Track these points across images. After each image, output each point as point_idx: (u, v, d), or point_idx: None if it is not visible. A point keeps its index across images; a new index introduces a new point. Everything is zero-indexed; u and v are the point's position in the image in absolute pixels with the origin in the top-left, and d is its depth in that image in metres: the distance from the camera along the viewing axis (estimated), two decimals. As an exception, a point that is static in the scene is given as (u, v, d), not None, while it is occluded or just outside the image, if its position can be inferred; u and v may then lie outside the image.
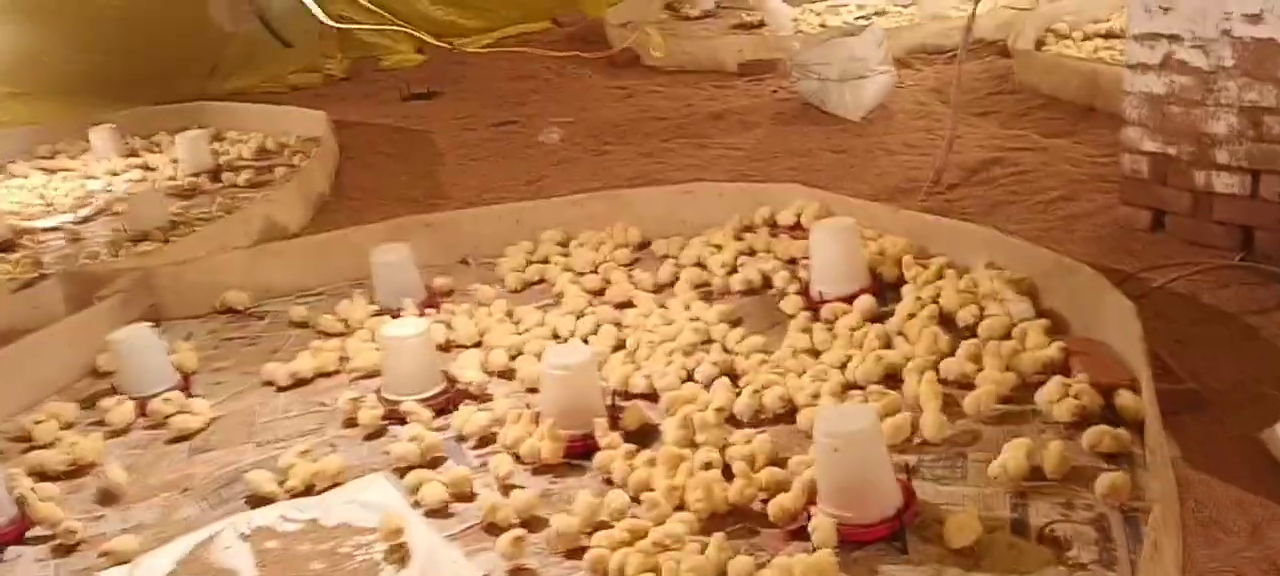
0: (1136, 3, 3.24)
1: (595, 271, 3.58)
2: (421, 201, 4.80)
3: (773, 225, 3.71)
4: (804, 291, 3.17)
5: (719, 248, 3.60)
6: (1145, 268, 3.21)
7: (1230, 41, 3.04)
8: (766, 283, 3.35)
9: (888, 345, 2.82)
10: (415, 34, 6.64)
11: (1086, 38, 5.49)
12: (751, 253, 3.52)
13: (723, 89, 6.01)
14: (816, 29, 6.66)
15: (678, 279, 3.45)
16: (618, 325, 3.19)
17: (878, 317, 2.99)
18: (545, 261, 3.73)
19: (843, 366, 2.74)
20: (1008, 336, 2.74)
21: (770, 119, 5.33)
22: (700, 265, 3.54)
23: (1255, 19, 2.97)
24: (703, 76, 6.31)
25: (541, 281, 3.64)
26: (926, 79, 5.58)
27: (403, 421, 2.77)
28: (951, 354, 2.71)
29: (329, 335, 3.38)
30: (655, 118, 5.62)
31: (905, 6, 6.86)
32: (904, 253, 3.24)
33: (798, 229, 3.65)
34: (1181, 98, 3.19)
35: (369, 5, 6.89)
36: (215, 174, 5.19)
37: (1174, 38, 3.16)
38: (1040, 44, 5.48)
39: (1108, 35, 5.44)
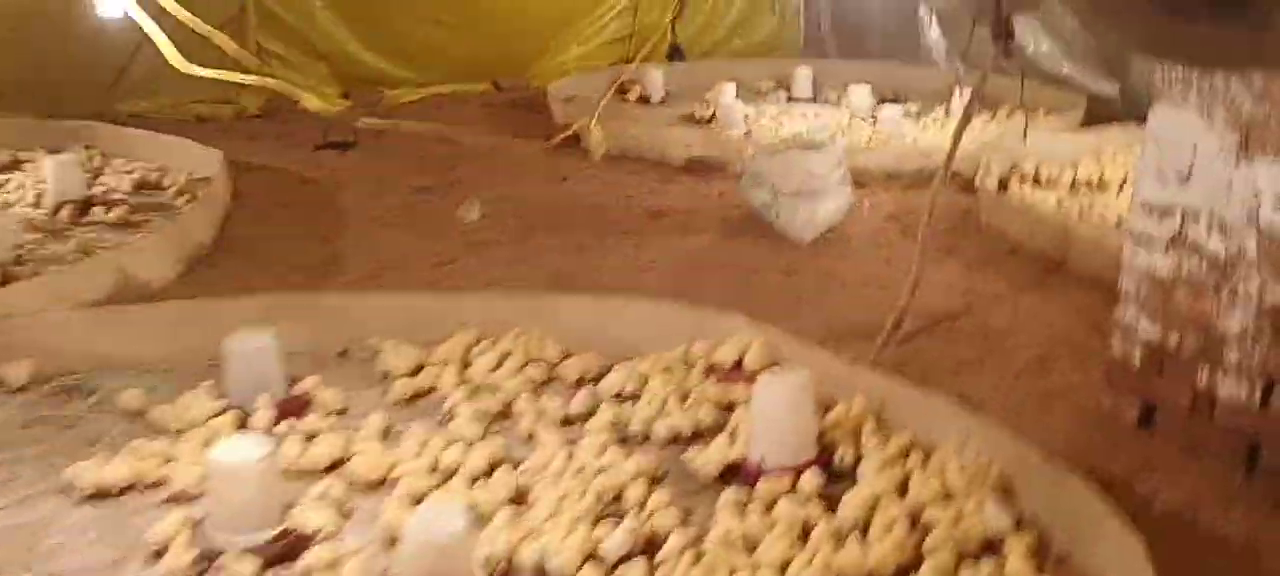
0: (1148, 166, 2.83)
1: (497, 390, 3.03)
2: (314, 269, 4.22)
3: (710, 364, 3.19)
4: (739, 461, 2.65)
5: (646, 380, 3.08)
6: (1134, 470, 2.77)
7: (1257, 229, 2.63)
8: (697, 434, 2.83)
9: (838, 542, 2.31)
10: (268, 87, 6.01)
11: (1049, 183, 5.14)
12: (684, 395, 3.00)
13: (666, 184, 5.54)
14: (770, 132, 6.26)
15: (594, 414, 2.91)
16: (515, 465, 2.64)
17: (827, 500, 2.48)
18: (441, 367, 3.17)
19: (784, 568, 2.22)
20: (984, 551, 2.26)
21: (716, 225, 4.86)
22: (621, 397, 3.02)
23: (1286, 204, 2.58)
24: (646, 167, 5.83)
25: (432, 391, 3.08)
26: (884, 204, 5.17)
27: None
28: (916, 566, 2.22)
29: (159, 433, 2.77)
30: (590, 206, 5.12)
31: (865, 121, 6.51)
32: (862, 421, 2.75)
33: (738, 370, 3.14)
34: (1191, 283, 2.78)
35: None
36: (84, 206, 4.54)
37: (1190, 213, 2.75)
38: (1004, 183, 5.12)
39: (1073, 184, 5.10)
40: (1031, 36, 6.80)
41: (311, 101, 5.18)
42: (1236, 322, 2.71)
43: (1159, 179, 2.80)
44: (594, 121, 5.07)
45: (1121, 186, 5.06)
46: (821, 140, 5.30)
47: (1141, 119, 5.89)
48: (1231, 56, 2.54)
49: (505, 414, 2.94)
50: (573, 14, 8.01)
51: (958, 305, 3.89)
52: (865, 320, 3.76)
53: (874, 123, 6.41)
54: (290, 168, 5.66)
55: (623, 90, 7.57)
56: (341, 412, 2.95)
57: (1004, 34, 3.38)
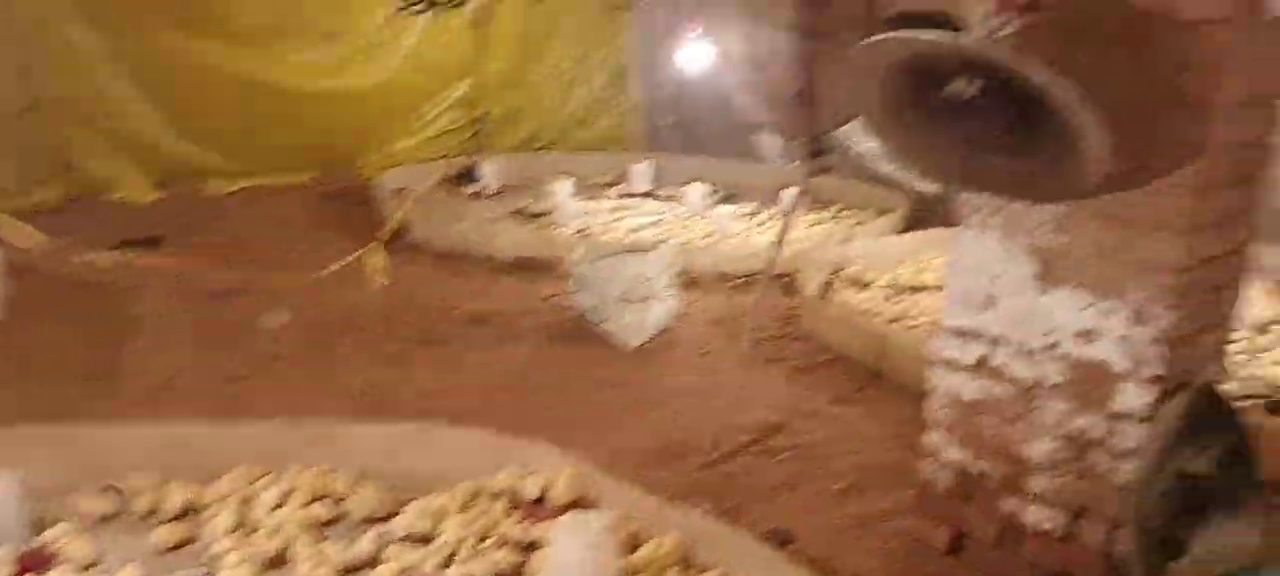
0: (954, 291, 2.79)
1: (275, 532, 2.75)
2: (90, 382, 3.84)
3: (513, 500, 2.98)
4: (535, 608, 2.44)
5: (441, 519, 2.84)
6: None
7: (1058, 356, 2.61)
8: (492, 582, 2.61)
9: None
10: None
11: (871, 287, 5.17)
12: (482, 535, 2.78)
13: (493, 285, 5.34)
14: (605, 232, 6.15)
15: (379, 561, 2.66)
16: (284, 627, 2.37)
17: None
18: (214, 508, 2.86)
19: None
20: None
21: (540, 331, 4.67)
22: (411, 539, 2.77)
23: (1089, 337, 2.55)
24: (473, 266, 5.63)
25: (197, 539, 2.77)
26: (712, 308, 5.09)
27: None
28: None
29: None
30: (408, 310, 4.86)
31: (699, 219, 6.48)
32: (670, 565, 2.59)
33: (542, 505, 2.95)
34: (996, 410, 2.73)
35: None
36: None
37: (994, 339, 2.72)
38: (828, 286, 5.12)
39: (893, 287, 5.14)
40: (855, 136, 6.92)
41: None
42: (1042, 451, 2.67)
43: (964, 304, 2.76)
44: (378, 245, 4.65)
45: (938, 290, 5.13)
46: (651, 243, 5.22)
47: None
48: (1030, 188, 2.53)
49: (280, 561, 2.66)
50: (404, 104, 7.77)
51: (777, 419, 3.79)
52: (687, 437, 3.63)
53: (707, 221, 6.39)
54: (81, 269, 5.22)
55: (457, 182, 7.42)
56: (92, 566, 2.62)
57: (818, 150, 3.35)
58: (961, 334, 2.78)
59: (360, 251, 4.63)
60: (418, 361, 4.26)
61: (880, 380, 4.19)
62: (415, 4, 5.02)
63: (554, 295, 5.11)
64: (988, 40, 2.40)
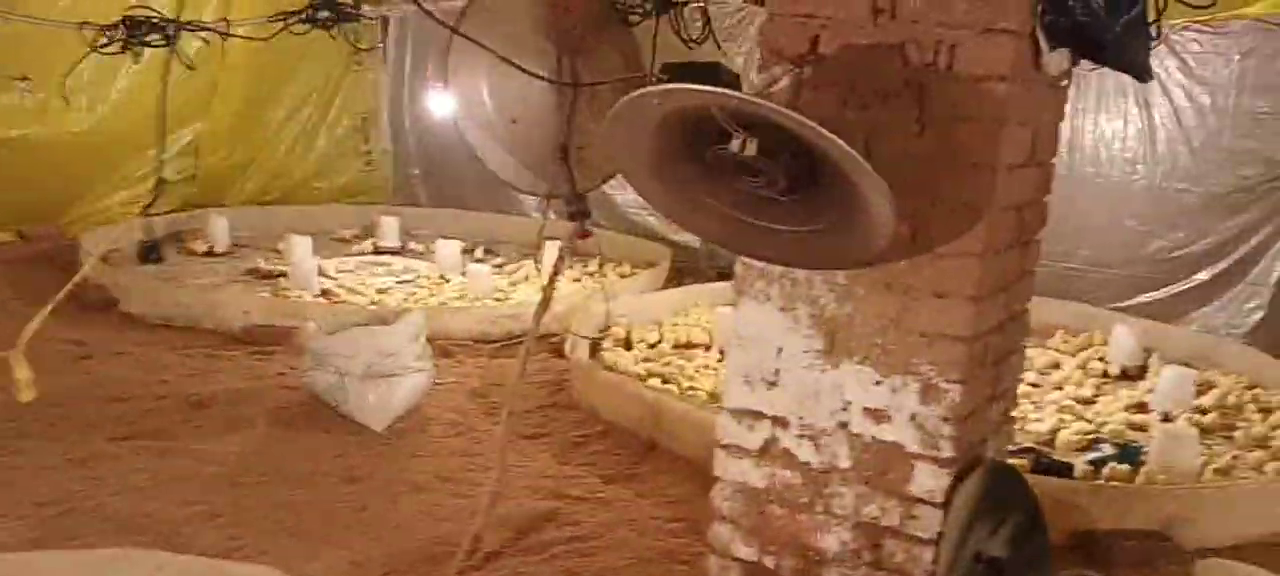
0: (735, 370, 2.53)
1: None
2: None
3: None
4: None
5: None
6: None
7: (847, 437, 2.39)
8: None
9: None
10: None
11: (638, 346, 4.93)
12: (181, 694, 2.26)
13: (216, 360, 4.71)
14: (348, 295, 5.62)
15: None
16: None
17: None
18: None
19: None
20: None
21: (269, 416, 4.11)
22: None
23: (879, 416, 2.35)
24: (195, 339, 4.97)
25: None
26: (469, 376, 4.69)
27: None
28: None
29: None
30: (112, 397, 4.17)
31: (452, 277, 6.06)
32: None
33: (264, 645, 2.45)
34: (785, 498, 2.49)
35: None
36: None
37: (779, 421, 2.47)
38: (596, 347, 4.84)
39: (655, 345, 4.93)
40: (616, 186, 6.73)
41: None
42: (835, 541, 2.44)
43: (746, 382, 2.51)
44: (17, 352, 3.88)
45: (707, 348, 4.95)
46: (397, 308, 4.77)
47: (725, 273, 6.03)
48: (811, 254, 2.31)
49: None
50: (116, 154, 6.88)
51: (545, 508, 3.43)
52: (439, 535, 3.21)
53: (461, 278, 5.98)
54: None
55: (186, 241, 6.66)
56: None
57: (580, 213, 3.05)
58: (745, 415, 2.52)
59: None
60: (120, 458, 3.62)
61: (655, 452, 3.91)
62: (106, 44, 4.35)
63: (286, 372, 4.55)
64: (759, 95, 2.17)
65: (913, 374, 2.31)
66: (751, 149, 2.01)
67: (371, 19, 5.01)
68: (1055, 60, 2.28)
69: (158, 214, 7.00)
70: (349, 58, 7.53)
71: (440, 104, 6.33)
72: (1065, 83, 2.54)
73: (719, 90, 1.99)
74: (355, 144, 8.08)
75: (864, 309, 2.36)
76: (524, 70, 2.73)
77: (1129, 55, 2.40)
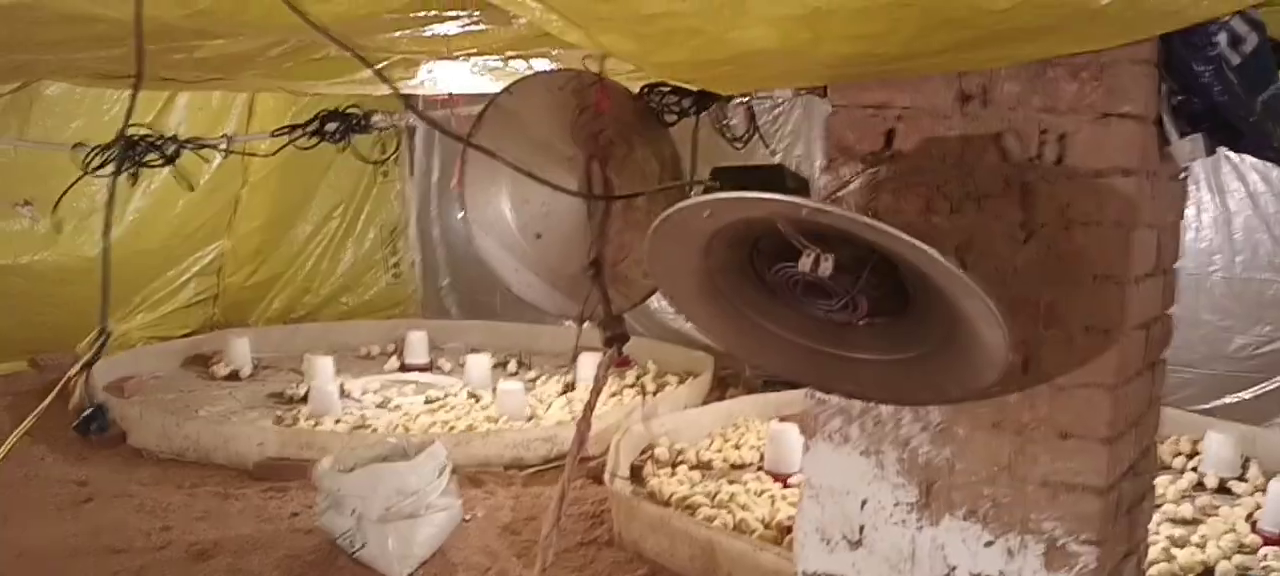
0: (809, 525, 2.12)
1: None
2: None
3: None
4: None
5: None
6: None
7: (952, 610, 1.96)
8: None
9: None
10: None
11: (680, 466, 4.50)
12: None
13: (228, 501, 4.34)
14: (372, 421, 5.25)
15: None
16: None
17: None
18: None
19: None
20: None
21: (278, 567, 3.72)
22: None
23: (980, 582, 1.92)
24: (206, 475, 4.61)
25: None
26: (500, 510, 4.28)
27: None
28: None
29: None
30: (110, 548, 3.81)
31: (482, 395, 5.68)
32: None
33: None
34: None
35: None
36: None
37: (866, 590, 2.05)
38: (638, 473, 4.42)
39: (702, 467, 4.50)
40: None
41: None
42: None
43: (824, 542, 2.09)
44: None
45: (760, 468, 4.52)
46: (421, 437, 4.39)
47: (770, 381, 5.61)
48: (901, 387, 1.92)
49: None
50: (134, 278, 6.63)
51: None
52: None
53: (493, 396, 5.60)
54: None
55: (205, 362, 6.36)
56: None
57: (618, 338, 2.67)
58: (823, 582, 2.10)
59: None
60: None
61: (708, 598, 3.47)
62: (99, 166, 4.09)
63: (300, 513, 4.16)
64: (831, 200, 1.80)
65: (1033, 532, 1.89)
66: (827, 267, 1.63)
67: (384, 129, 4.72)
68: (1186, 148, 1.89)
69: (177, 337, 6.75)
70: (374, 169, 7.29)
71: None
72: (1185, 175, 2.15)
73: (785, 198, 1.62)
74: (383, 257, 7.80)
75: (968, 453, 1.96)
76: (545, 182, 2.38)
77: (1267, 138, 2.01)
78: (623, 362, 2.72)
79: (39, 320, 6.25)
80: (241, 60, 3.24)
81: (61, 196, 4.42)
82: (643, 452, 4.63)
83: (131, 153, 3.86)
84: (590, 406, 2.83)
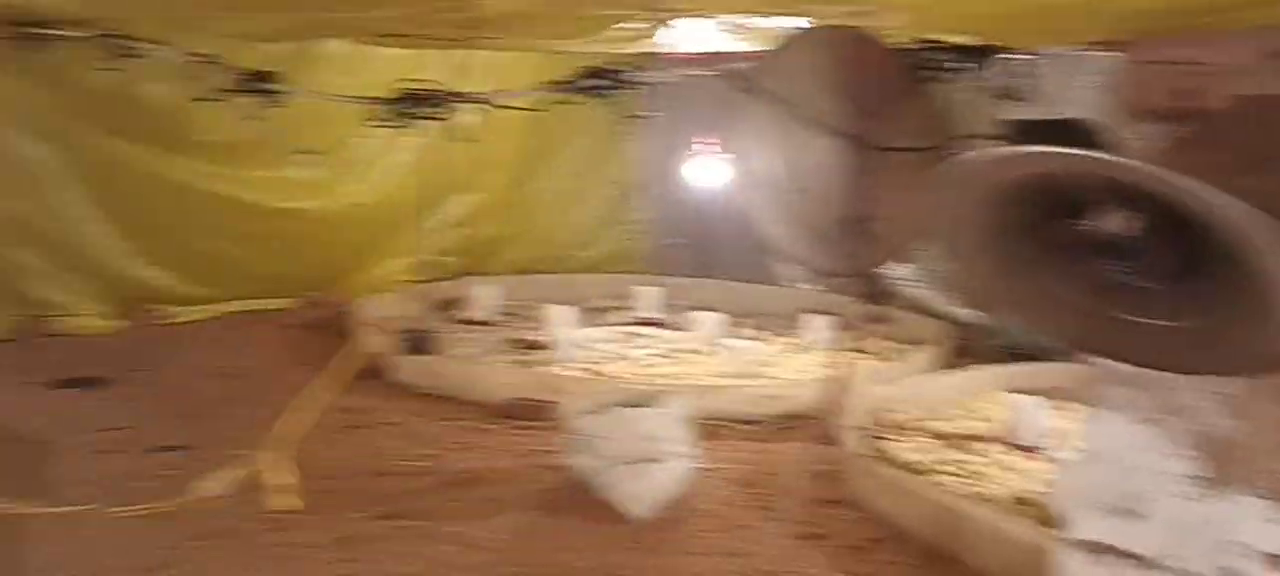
0: (1083, 490, 2.07)
1: None
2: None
3: None
4: None
5: None
6: None
7: (1235, 587, 1.88)
8: None
9: None
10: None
11: (922, 435, 4.44)
12: None
13: (480, 435, 4.62)
14: (607, 366, 5.45)
15: None
16: None
17: None
18: None
19: None
20: None
21: (531, 498, 3.94)
22: None
23: (1276, 561, 1.83)
24: (459, 410, 4.91)
25: None
26: (734, 463, 4.36)
27: None
28: None
29: None
30: (378, 472, 4.14)
31: (714, 351, 5.78)
32: None
33: None
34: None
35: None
36: None
37: (1144, 561, 1.98)
38: (873, 436, 4.40)
39: (948, 437, 4.41)
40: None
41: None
42: None
43: (1097, 511, 2.04)
44: (275, 456, 3.72)
45: (1001, 442, 4.40)
46: (661, 386, 4.53)
47: (1015, 352, 5.43)
48: (1192, 356, 1.84)
49: None
50: (390, 224, 7.11)
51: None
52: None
53: (724, 353, 5.69)
54: (10, 413, 4.54)
55: (451, 307, 6.76)
56: None
57: (877, 293, 2.67)
58: (1096, 550, 2.05)
59: (255, 463, 3.78)
60: (386, 539, 3.52)
61: (948, 564, 3.43)
62: (387, 119, 4.39)
63: (548, 450, 4.38)
64: (1144, 160, 1.74)
65: (1335, 515, 1.78)
66: (1134, 226, 1.58)
67: (648, 85, 4.82)
68: None
69: (425, 281, 7.19)
70: (613, 126, 7.48)
71: (706, 171, 6.14)
72: None
73: (1089, 154, 1.58)
74: (617, 213, 8.02)
75: (1258, 426, 1.86)
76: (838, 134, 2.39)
77: None
78: (874, 320, 2.71)
79: (310, 261, 6.82)
80: (515, 20, 3.42)
81: (331, 147, 4.74)
82: (879, 417, 4.59)
83: (412, 106, 4.14)
84: (844, 362, 2.85)
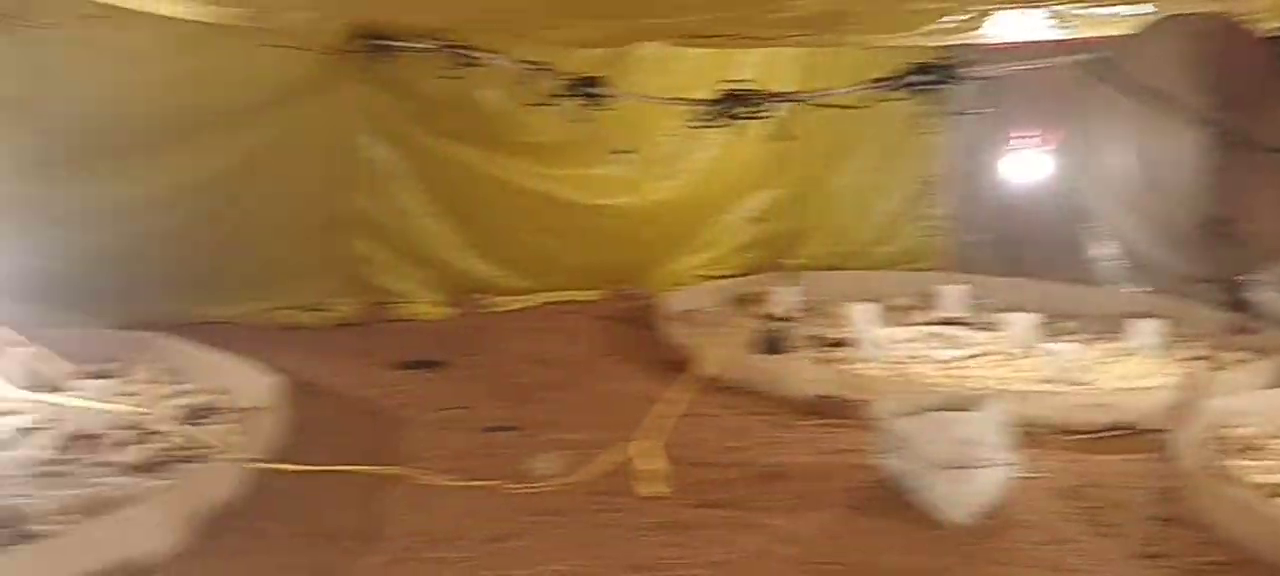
0: None
1: None
2: (347, 539, 3.49)
3: None
4: None
5: None
6: None
7: None
8: None
9: None
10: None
11: (1261, 448, 4.05)
12: None
13: (786, 432, 4.67)
14: (912, 365, 5.35)
15: None
16: None
17: None
18: None
19: None
20: None
21: (842, 496, 3.94)
22: None
23: None
24: (765, 405, 4.98)
25: None
26: (1057, 473, 4.16)
27: None
28: None
29: None
30: (692, 463, 4.26)
31: (1026, 354, 5.53)
32: None
33: None
34: None
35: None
36: (91, 441, 3.99)
37: None
38: (1217, 454, 4.06)
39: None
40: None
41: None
42: None
43: None
44: (647, 444, 3.85)
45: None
46: (976, 390, 4.40)
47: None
48: None
49: None
50: (695, 219, 7.34)
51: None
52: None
53: (1038, 357, 5.43)
54: (361, 393, 5.07)
55: (749, 305, 6.86)
56: None
57: (1244, 303, 2.48)
58: None
59: (630, 450, 3.96)
60: (701, 526, 3.64)
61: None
62: (708, 119, 4.51)
63: (856, 449, 4.36)
64: None
65: None
66: None
67: (975, 79, 4.68)
68: None
69: (724, 276, 7.32)
70: (915, 120, 7.30)
71: (1023, 165, 5.88)
72: None
73: None
74: (916, 209, 7.84)
75: None
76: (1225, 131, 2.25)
77: None
78: (1235, 330, 2.50)
79: (618, 255, 7.15)
80: (837, 17, 3.44)
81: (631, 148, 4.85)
82: (1223, 432, 4.24)
83: (732, 106, 4.25)
84: (1198, 375, 2.67)
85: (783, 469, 4.19)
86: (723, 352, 5.33)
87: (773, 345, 5.17)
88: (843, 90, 4.36)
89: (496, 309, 6.75)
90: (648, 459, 3.86)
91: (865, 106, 4.90)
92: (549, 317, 6.66)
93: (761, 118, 4.49)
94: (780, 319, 6.47)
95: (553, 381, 5.38)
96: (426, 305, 6.62)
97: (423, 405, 4.92)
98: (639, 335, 6.23)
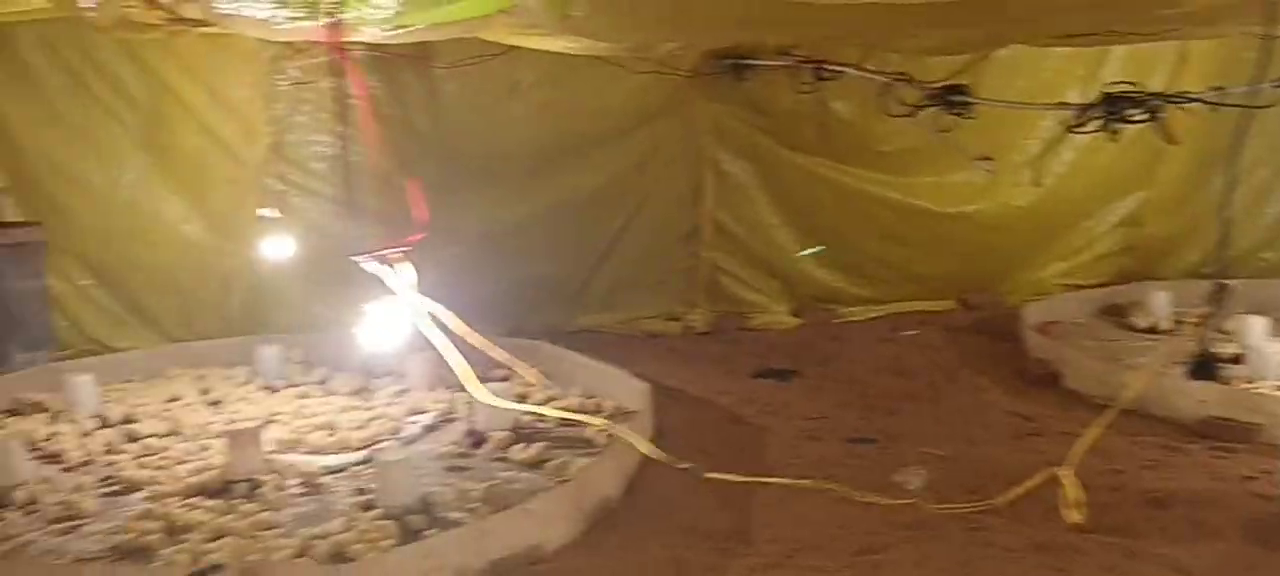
0: None
1: None
2: (719, 541, 3.66)
3: None
4: None
5: None
6: None
7: None
8: None
9: None
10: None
11: None
12: None
13: (1171, 454, 4.36)
14: (1321, 389, 4.80)
15: None
16: None
17: None
18: None
19: None
20: None
21: (1239, 526, 3.63)
22: None
23: None
24: (1146, 427, 4.63)
25: None
26: None
27: None
28: None
29: None
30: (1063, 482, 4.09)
31: None
32: None
33: None
34: None
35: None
36: (478, 439, 4.43)
37: None
38: None
39: None
40: None
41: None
42: None
43: None
44: (1068, 469, 3.71)
45: None
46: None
47: None
48: None
49: None
50: (1056, 225, 7.00)
51: None
52: None
53: None
54: (721, 400, 5.27)
55: (1118, 312, 6.43)
56: None
57: None
58: None
59: (1045, 475, 3.78)
60: (1081, 553, 3.48)
61: None
62: (1088, 123, 4.27)
63: (1255, 477, 4.00)
64: None
65: None
66: None
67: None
68: None
69: (1091, 286, 6.91)
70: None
71: None
72: None
73: None
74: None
75: None
76: None
77: None
78: None
79: (970, 264, 6.95)
80: (1222, 9, 3.17)
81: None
82: None
83: (1113, 109, 4.03)
84: None
85: (1169, 494, 3.91)
86: (1146, 376, 4.95)
87: (1203, 370, 4.66)
88: (1238, 89, 3.97)
89: (842, 319, 6.77)
90: (1071, 484, 3.69)
91: (1271, 106, 4.41)
92: (896, 326, 6.60)
93: (1158, 120, 4.15)
94: (1150, 331, 6.02)
95: (907, 393, 5.34)
96: (776, 315, 6.76)
97: (781, 414, 5.04)
98: (995, 346, 6.04)
